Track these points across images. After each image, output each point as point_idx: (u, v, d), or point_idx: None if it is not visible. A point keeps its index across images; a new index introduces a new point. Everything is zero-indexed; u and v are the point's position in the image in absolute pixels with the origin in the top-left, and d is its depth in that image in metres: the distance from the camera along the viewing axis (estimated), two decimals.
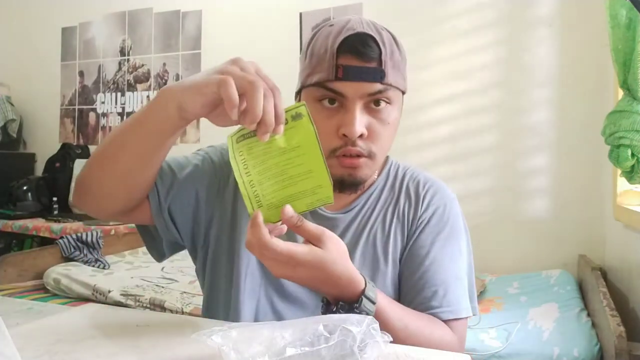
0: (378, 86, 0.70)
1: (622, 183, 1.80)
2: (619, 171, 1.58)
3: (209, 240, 0.82)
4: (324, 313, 0.66)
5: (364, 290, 0.64)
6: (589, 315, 1.66)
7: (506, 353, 1.48)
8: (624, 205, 1.80)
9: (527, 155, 2.32)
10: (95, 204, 0.74)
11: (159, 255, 0.84)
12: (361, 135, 0.71)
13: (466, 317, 0.78)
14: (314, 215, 0.82)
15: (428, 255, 0.78)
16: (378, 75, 0.70)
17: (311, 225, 0.61)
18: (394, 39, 0.75)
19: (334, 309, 0.64)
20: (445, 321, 0.74)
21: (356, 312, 0.62)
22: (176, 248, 0.84)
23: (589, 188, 2.21)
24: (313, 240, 0.61)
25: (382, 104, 0.72)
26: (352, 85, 0.70)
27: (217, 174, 0.82)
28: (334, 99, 0.72)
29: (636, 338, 1.39)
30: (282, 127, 0.57)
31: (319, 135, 0.61)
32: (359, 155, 0.73)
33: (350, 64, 0.70)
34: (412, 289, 0.77)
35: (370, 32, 0.70)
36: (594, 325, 1.58)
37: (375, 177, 0.85)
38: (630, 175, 1.51)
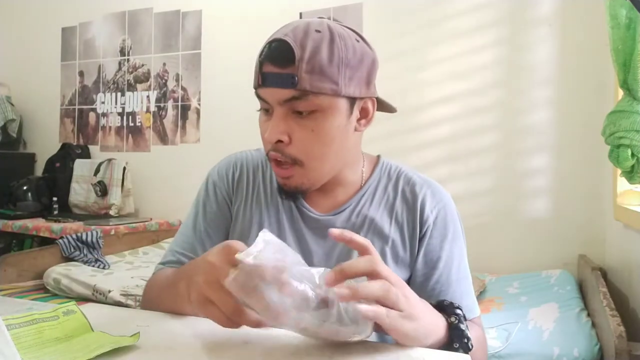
0: (292, 92, 0.70)
1: (622, 183, 1.80)
2: (619, 171, 1.58)
3: None
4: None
5: (448, 307, 0.65)
6: (589, 315, 1.66)
7: (506, 353, 1.48)
8: (624, 205, 1.80)
9: (527, 155, 2.32)
10: None
11: None
12: (281, 142, 0.72)
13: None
14: (304, 216, 0.83)
15: (440, 259, 0.79)
16: (289, 81, 0.69)
17: (359, 238, 0.58)
18: (332, 39, 0.70)
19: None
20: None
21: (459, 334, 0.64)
22: None
23: (589, 188, 2.21)
24: (364, 251, 0.58)
25: (306, 110, 0.71)
26: (269, 92, 0.72)
27: (222, 212, 0.88)
28: (268, 107, 0.74)
29: (636, 338, 1.39)
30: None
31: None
32: (280, 162, 0.74)
33: (268, 70, 0.71)
34: (429, 294, 0.77)
35: (287, 38, 0.70)
36: (594, 325, 1.57)
37: (365, 177, 0.85)
38: (630, 175, 1.51)
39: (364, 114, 0.78)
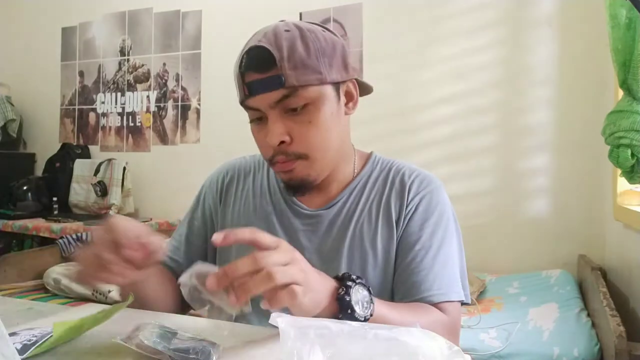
0: (282, 92, 0.71)
1: (622, 183, 1.80)
2: (619, 171, 1.58)
3: None
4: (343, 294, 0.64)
5: (344, 278, 0.63)
6: (589, 315, 1.66)
7: (506, 353, 1.48)
8: (624, 205, 1.80)
9: (527, 155, 2.32)
10: None
11: None
12: (284, 142, 0.73)
13: (458, 301, 0.78)
14: (295, 213, 0.84)
15: (418, 241, 0.79)
16: (276, 82, 0.71)
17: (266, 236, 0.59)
18: (302, 35, 0.73)
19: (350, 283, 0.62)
20: (437, 304, 0.75)
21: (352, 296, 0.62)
22: None
23: (589, 188, 2.21)
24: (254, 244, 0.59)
25: (299, 106, 0.73)
26: (259, 99, 0.73)
27: (205, 220, 0.91)
28: (260, 115, 0.75)
29: (636, 338, 1.39)
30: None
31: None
32: (284, 162, 0.75)
33: (251, 79, 0.73)
34: (402, 274, 0.78)
35: (262, 43, 0.72)
36: (594, 325, 1.58)
37: (357, 171, 0.86)
38: (630, 175, 1.51)
39: (349, 97, 0.81)
